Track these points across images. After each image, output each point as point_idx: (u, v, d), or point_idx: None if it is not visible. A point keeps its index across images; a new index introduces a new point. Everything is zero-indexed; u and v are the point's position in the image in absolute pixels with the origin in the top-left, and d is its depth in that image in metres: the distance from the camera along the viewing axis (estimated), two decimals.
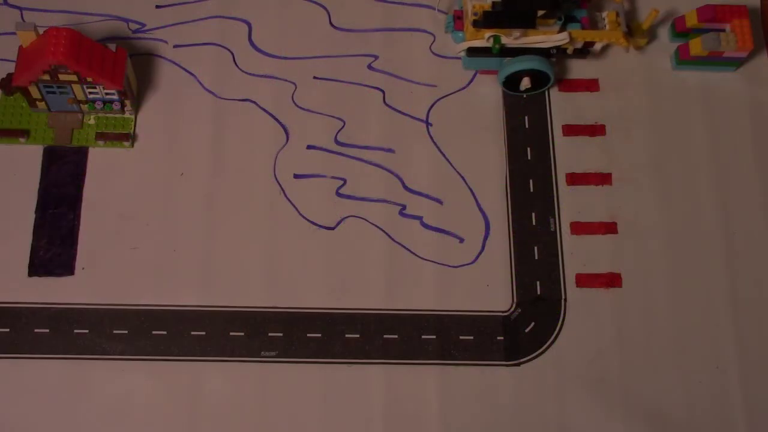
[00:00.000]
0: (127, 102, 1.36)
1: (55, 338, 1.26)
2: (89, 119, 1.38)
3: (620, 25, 1.41)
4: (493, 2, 1.35)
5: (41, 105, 1.35)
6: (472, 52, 1.40)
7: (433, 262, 1.33)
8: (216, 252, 1.32)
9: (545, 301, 1.31)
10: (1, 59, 1.40)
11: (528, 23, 1.35)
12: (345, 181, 1.37)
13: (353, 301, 1.30)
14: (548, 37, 1.37)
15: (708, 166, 1.40)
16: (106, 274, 1.30)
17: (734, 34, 1.40)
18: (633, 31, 1.44)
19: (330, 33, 1.47)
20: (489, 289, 1.32)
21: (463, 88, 1.45)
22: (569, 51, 1.41)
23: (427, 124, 1.42)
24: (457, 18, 1.43)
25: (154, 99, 1.41)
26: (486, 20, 1.35)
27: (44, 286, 1.29)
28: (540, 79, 1.40)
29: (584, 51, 1.42)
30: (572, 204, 1.37)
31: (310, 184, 1.37)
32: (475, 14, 1.35)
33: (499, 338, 1.29)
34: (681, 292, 1.32)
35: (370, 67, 1.45)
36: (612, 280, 1.32)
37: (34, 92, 1.32)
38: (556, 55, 1.40)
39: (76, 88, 1.31)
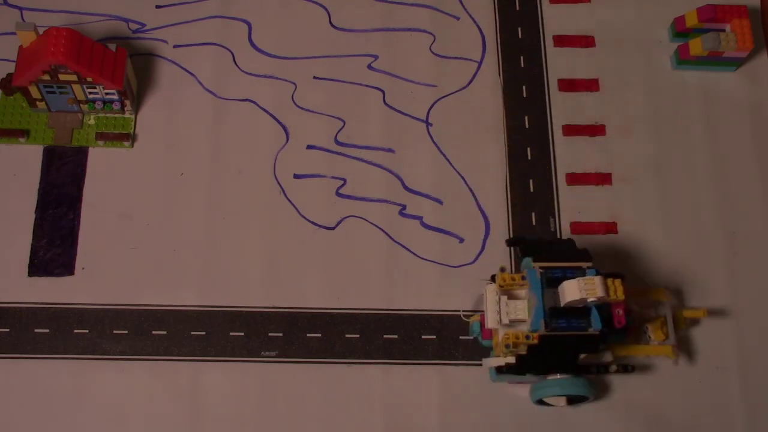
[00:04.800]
0: (127, 102, 1.36)
1: (55, 338, 1.26)
2: (89, 119, 1.38)
3: (667, 334, 1.24)
4: (528, 345, 1.15)
5: (41, 105, 1.35)
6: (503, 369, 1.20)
7: (433, 262, 1.33)
8: (216, 252, 1.32)
9: None
10: (1, 59, 1.40)
11: (568, 369, 1.19)
12: (345, 181, 1.37)
13: (353, 301, 1.30)
14: (588, 356, 1.20)
15: (708, 166, 1.40)
16: (106, 274, 1.30)
17: (734, 34, 1.40)
18: (675, 320, 1.27)
19: (330, 33, 1.47)
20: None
21: (463, 88, 1.45)
22: (612, 369, 1.22)
23: (427, 124, 1.42)
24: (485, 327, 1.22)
25: (154, 99, 1.41)
26: (520, 367, 1.17)
27: (44, 286, 1.29)
28: (577, 397, 1.23)
29: (627, 367, 1.23)
30: (572, 204, 1.37)
31: (310, 184, 1.37)
32: (507, 346, 1.15)
33: None
34: (681, 292, 1.32)
35: (370, 67, 1.45)
36: None
37: (34, 92, 1.32)
38: (597, 373, 1.22)
39: (76, 88, 1.31)
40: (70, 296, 1.28)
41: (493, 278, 1.19)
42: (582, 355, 1.16)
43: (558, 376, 1.19)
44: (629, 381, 1.27)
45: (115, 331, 1.27)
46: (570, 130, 1.42)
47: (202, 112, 1.40)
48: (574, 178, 1.39)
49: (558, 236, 1.35)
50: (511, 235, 1.34)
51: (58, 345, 1.26)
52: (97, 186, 1.35)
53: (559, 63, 1.46)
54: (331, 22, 1.48)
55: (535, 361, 1.16)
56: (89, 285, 1.29)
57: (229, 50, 1.45)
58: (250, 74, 1.44)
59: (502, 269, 1.19)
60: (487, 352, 1.24)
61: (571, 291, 1.12)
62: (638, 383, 1.27)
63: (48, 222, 1.32)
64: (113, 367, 1.25)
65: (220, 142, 1.38)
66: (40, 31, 1.29)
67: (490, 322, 1.18)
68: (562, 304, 1.13)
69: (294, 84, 1.43)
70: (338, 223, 1.34)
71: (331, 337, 1.28)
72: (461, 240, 1.34)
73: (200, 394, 1.24)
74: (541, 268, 1.16)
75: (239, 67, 1.44)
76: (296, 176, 1.37)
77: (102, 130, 1.37)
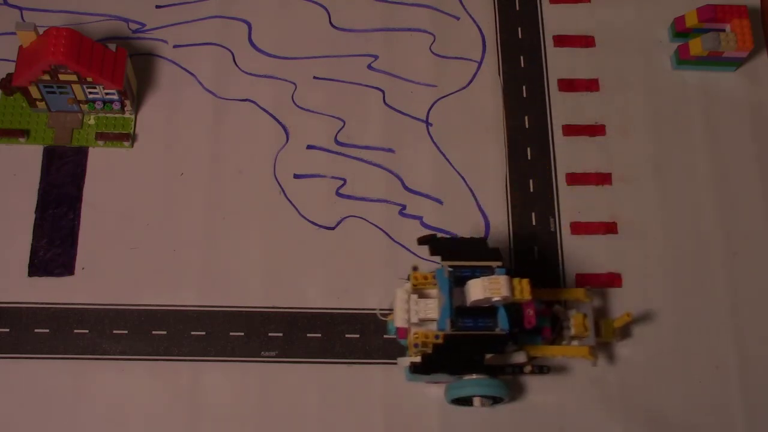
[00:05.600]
0: (127, 102, 1.36)
1: (55, 338, 1.26)
2: (89, 119, 1.38)
3: (588, 330, 1.22)
4: (434, 344, 1.14)
5: (41, 105, 1.35)
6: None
7: (433, 262, 1.32)
8: (216, 252, 1.32)
9: (545, 301, 1.31)
10: (1, 59, 1.40)
11: (474, 369, 1.17)
12: (345, 181, 1.37)
13: (353, 301, 1.30)
14: (503, 356, 1.20)
15: (708, 165, 1.40)
16: (106, 274, 1.30)
17: (734, 34, 1.40)
18: (604, 329, 1.25)
19: (330, 33, 1.47)
20: None
21: (463, 88, 1.45)
22: (527, 370, 1.22)
23: (427, 124, 1.42)
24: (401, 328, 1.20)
25: (154, 99, 1.41)
26: (425, 367, 1.14)
27: (44, 286, 1.29)
28: (494, 398, 1.21)
29: (543, 368, 1.23)
30: (572, 204, 1.37)
31: (310, 184, 1.37)
32: (416, 346, 1.14)
33: None
34: (681, 292, 1.32)
35: (370, 67, 1.45)
36: (612, 280, 1.32)
37: (34, 92, 1.32)
38: (512, 373, 1.23)
39: (76, 88, 1.31)
40: (70, 296, 1.28)
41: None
42: (489, 355, 1.15)
43: (474, 376, 1.18)
44: (629, 381, 1.27)
45: (115, 331, 1.27)
46: (570, 130, 1.42)
47: (202, 112, 1.40)
48: (574, 178, 1.39)
49: (558, 236, 1.35)
50: (512, 234, 1.34)
51: (58, 345, 1.26)
52: (97, 186, 1.35)
53: (559, 63, 1.46)
54: (331, 22, 1.48)
55: (440, 360, 1.14)
56: (89, 285, 1.29)
57: (229, 50, 1.45)
58: (250, 74, 1.44)
59: (415, 268, 1.19)
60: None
61: (475, 290, 1.11)
62: (638, 383, 1.27)
63: (48, 222, 1.32)
64: (113, 367, 1.25)
65: (220, 142, 1.39)
66: (40, 31, 1.29)
67: (399, 321, 1.17)
68: (467, 304, 1.13)
69: (294, 84, 1.43)
70: (338, 223, 1.34)
71: (331, 337, 1.28)
72: None
73: (200, 394, 1.24)
74: (450, 267, 1.15)
75: (239, 67, 1.44)
76: (296, 176, 1.37)
77: (102, 130, 1.37)
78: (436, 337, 1.13)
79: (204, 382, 1.25)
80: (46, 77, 1.28)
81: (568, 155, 1.40)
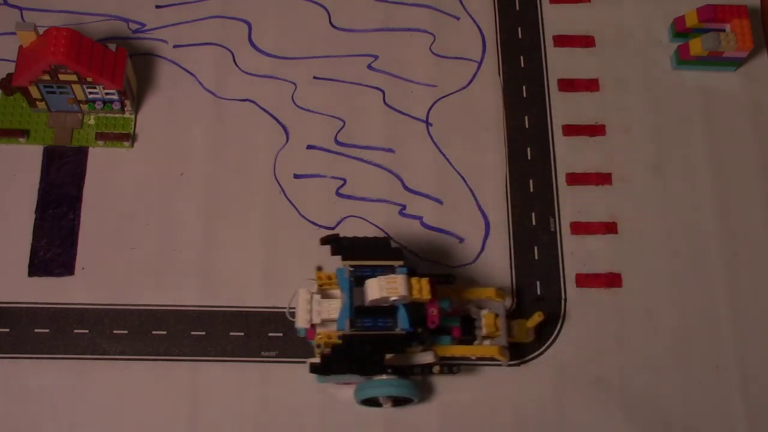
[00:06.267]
0: (127, 102, 1.36)
1: (55, 338, 1.26)
2: (89, 119, 1.38)
3: (499, 330, 1.21)
4: (333, 344, 1.14)
5: (41, 105, 1.35)
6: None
7: (433, 262, 1.33)
8: (216, 252, 1.32)
9: (545, 301, 1.31)
10: (1, 59, 1.40)
11: (374, 369, 1.15)
12: (345, 181, 1.37)
13: None
14: (409, 356, 1.19)
15: (708, 166, 1.40)
16: (106, 274, 1.30)
17: (734, 34, 1.40)
18: (517, 329, 1.25)
19: (330, 33, 1.47)
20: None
21: (463, 88, 1.45)
22: (435, 370, 1.21)
23: (427, 124, 1.42)
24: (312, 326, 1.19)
25: (154, 99, 1.41)
26: (324, 368, 1.13)
27: (44, 286, 1.29)
28: (403, 399, 1.21)
29: (453, 368, 1.23)
30: (572, 204, 1.37)
31: (310, 184, 1.37)
32: (318, 346, 1.15)
33: None
34: (681, 292, 1.32)
35: (370, 67, 1.45)
36: (612, 280, 1.32)
37: (34, 92, 1.32)
38: (422, 373, 1.22)
39: (76, 88, 1.31)
40: (70, 296, 1.28)
41: None
42: (390, 356, 1.14)
43: (383, 376, 1.17)
44: (629, 381, 1.27)
45: (115, 331, 1.27)
46: (570, 130, 1.42)
47: (202, 112, 1.40)
48: (574, 178, 1.39)
49: (558, 236, 1.35)
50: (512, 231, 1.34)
51: (58, 345, 1.26)
52: (97, 186, 1.35)
53: (559, 63, 1.46)
54: (331, 22, 1.48)
55: (339, 360, 1.12)
56: (89, 285, 1.29)
57: (229, 50, 1.45)
58: (250, 74, 1.44)
59: (319, 268, 1.18)
60: None
61: (372, 290, 1.10)
62: (638, 383, 1.27)
63: (48, 222, 1.32)
64: (113, 367, 1.25)
65: (220, 142, 1.38)
66: (40, 31, 1.29)
67: (300, 322, 1.17)
68: (366, 303, 1.12)
69: (294, 84, 1.43)
70: (338, 223, 1.34)
71: None
72: (461, 240, 1.34)
73: (200, 394, 1.24)
74: (351, 266, 1.14)
75: (239, 67, 1.44)
76: (296, 176, 1.37)
77: (102, 130, 1.37)
78: (339, 338, 1.13)
79: (204, 382, 1.25)
80: (46, 77, 1.28)
81: (568, 155, 1.40)
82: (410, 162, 1.39)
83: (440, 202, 1.37)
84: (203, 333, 1.27)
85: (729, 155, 1.41)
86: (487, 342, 1.22)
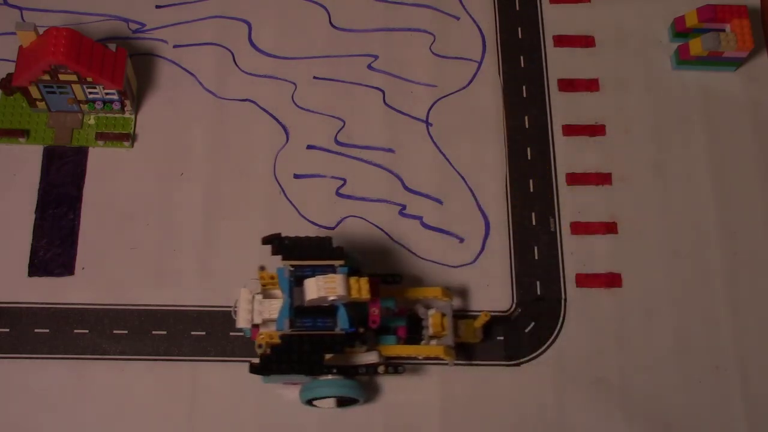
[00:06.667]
0: (127, 102, 1.36)
1: (55, 338, 1.26)
2: (89, 119, 1.38)
3: (446, 330, 1.21)
4: (272, 346, 1.13)
5: (41, 105, 1.35)
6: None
7: (433, 262, 1.33)
8: (216, 252, 1.32)
9: (545, 301, 1.31)
10: (1, 59, 1.40)
11: (313, 369, 1.13)
12: (345, 181, 1.37)
13: None
14: (353, 356, 1.19)
15: (708, 165, 1.40)
16: (106, 274, 1.30)
17: (734, 34, 1.40)
18: (464, 329, 1.25)
19: (330, 33, 1.47)
20: (489, 289, 1.32)
21: (463, 88, 1.45)
22: (380, 370, 1.19)
23: (427, 124, 1.42)
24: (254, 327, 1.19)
25: (154, 99, 1.41)
26: (263, 368, 1.13)
27: (44, 286, 1.29)
28: (348, 399, 1.21)
29: (398, 368, 1.20)
30: (572, 204, 1.37)
31: (310, 184, 1.37)
32: (260, 346, 1.15)
33: (499, 338, 1.29)
34: (681, 292, 1.32)
35: (370, 67, 1.45)
36: (612, 280, 1.33)
37: (34, 92, 1.32)
38: (367, 373, 1.20)
39: (76, 88, 1.31)
40: (70, 296, 1.28)
41: None
42: (329, 356, 1.14)
43: (329, 377, 1.17)
44: (629, 381, 1.27)
45: (115, 331, 1.27)
46: (570, 130, 1.42)
47: (202, 112, 1.40)
48: (574, 178, 1.39)
49: (558, 236, 1.35)
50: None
51: (58, 345, 1.26)
52: (97, 186, 1.35)
53: (559, 63, 1.46)
54: (331, 22, 1.48)
55: (278, 361, 1.12)
56: (89, 285, 1.29)
57: (229, 50, 1.45)
58: (250, 74, 1.44)
59: (262, 268, 1.18)
60: None
61: (310, 289, 1.10)
62: (638, 383, 1.27)
63: (48, 222, 1.32)
64: (113, 367, 1.25)
65: (220, 142, 1.38)
66: (40, 31, 1.29)
67: (241, 322, 1.16)
68: (305, 303, 1.11)
69: (294, 84, 1.43)
70: (338, 223, 1.34)
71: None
72: (461, 240, 1.34)
73: (200, 394, 1.24)
74: (291, 266, 1.13)
75: (239, 67, 1.44)
76: (296, 176, 1.37)
77: (102, 130, 1.37)
78: (280, 338, 1.13)
79: (204, 382, 1.25)
80: (46, 77, 1.28)
81: (568, 155, 1.40)
82: (410, 162, 1.39)
83: (440, 202, 1.37)
84: (203, 333, 1.27)
85: (729, 155, 1.41)
86: (434, 342, 1.22)
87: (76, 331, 1.27)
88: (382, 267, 1.31)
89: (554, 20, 1.49)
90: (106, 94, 1.33)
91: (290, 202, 1.35)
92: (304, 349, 1.11)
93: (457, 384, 1.26)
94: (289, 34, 1.47)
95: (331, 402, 1.20)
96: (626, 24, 1.49)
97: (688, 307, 1.32)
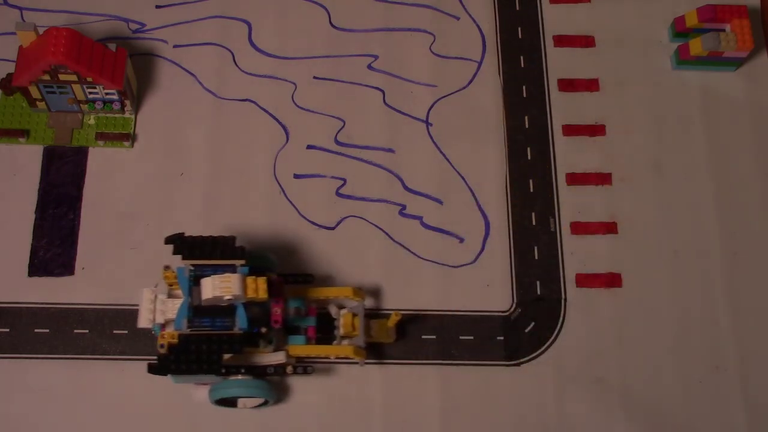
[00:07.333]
0: (127, 102, 1.36)
1: (55, 338, 1.26)
2: (89, 119, 1.38)
3: (357, 330, 1.21)
4: (169, 344, 1.12)
5: (41, 105, 1.35)
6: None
7: (433, 262, 1.33)
8: None
9: (545, 301, 1.31)
10: (1, 59, 1.40)
11: (211, 369, 1.12)
12: (345, 181, 1.37)
13: None
14: (261, 356, 1.19)
15: (708, 165, 1.40)
16: (106, 274, 1.30)
17: (734, 34, 1.40)
18: (376, 329, 1.25)
19: (330, 33, 1.47)
20: (489, 289, 1.32)
21: (463, 88, 1.45)
22: (288, 371, 1.18)
23: (427, 124, 1.42)
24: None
25: (154, 99, 1.41)
26: (160, 368, 1.12)
27: (44, 286, 1.29)
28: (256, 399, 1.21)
29: (307, 368, 1.19)
30: (572, 204, 1.37)
31: (310, 184, 1.37)
32: (162, 346, 1.13)
33: (499, 338, 1.29)
34: (681, 292, 1.32)
35: (370, 67, 1.45)
36: (612, 280, 1.33)
37: (34, 92, 1.32)
38: (275, 373, 1.20)
39: (76, 88, 1.31)
40: (70, 296, 1.28)
41: None
42: (228, 356, 1.14)
43: (239, 377, 1.17)
44: (629, 381, 1.27)
45: (115, 331, 1.27)
46: (570, 130, 1.42)
47: (202, 112, 1.40)
48: (574, 178, 1.39)
49: (558, 236, 1.35)
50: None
51: (58, 345, 1.26)
52: (97, 186, 1.35)
53: (559, 63, 1.46)
54: (331, 22, 1.48)
55: (175, 361, 1.11)
56: (89, 285, 1.29)
57: (229, 50, 1.45)
58: (250, 74, 1.44)
59: (166, 267, 1.18)
60: None
61: (206, 289, 1.09)
62: (638, 383, 1.27)
63: (48, 222, 1.32)
64: (113, 367, 1.25)
65: (220, 142, 1.38)
66: (40, 31, 1.29)
67: (142, 322, 1.16)
68: (202, 303, 1.11)
69: (294, 84, 1.43)
70: (338, 223, 1.34)
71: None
72: (461, 240, 1.34)
73: (200, 393, 1.24)
74: (191, 266, 1.13)
75: (239, 67, 1.44)
76: (296, 176, 1.37)
77: (102, 130, 1.37)
78: (179, 337, 1.13)
79: None
80: (46, 77, 1.28)
81: (568, 155, 1.40)
82: (410, 162, 1.39)
83: (440, 202, 1.37)
84: None
85: (729, 155, 1.41)
86: (345, 342, 1.22)
87: (75, 331, 1.27)
88: (382, 267, 1.31)
89: (554, 20, 1.49)
90: (106, 94, 1.33)
91: (290, 202, 1.35)
92: (202, 349, 1.11)
93: (457, 384, 1.26)
94: (289, 34, 1.47)
95: (240, 402, 1.20)
96: (626, 24, 1.49)
97: (688, 307, 1.32)
